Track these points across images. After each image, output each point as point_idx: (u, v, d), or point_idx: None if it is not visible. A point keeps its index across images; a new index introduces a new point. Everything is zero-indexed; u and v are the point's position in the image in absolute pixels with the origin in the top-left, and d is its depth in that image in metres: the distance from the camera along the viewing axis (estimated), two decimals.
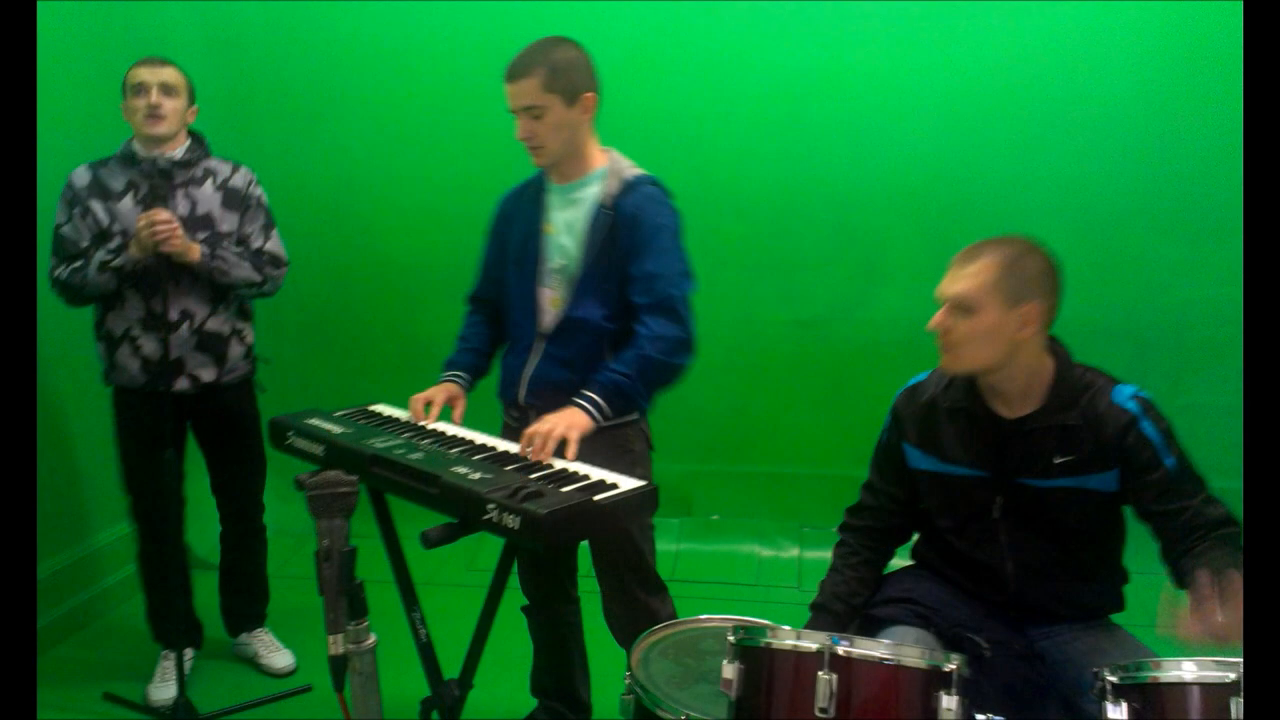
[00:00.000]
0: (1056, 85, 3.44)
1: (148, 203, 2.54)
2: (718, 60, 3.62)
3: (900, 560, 2.06)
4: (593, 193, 2.16)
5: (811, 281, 3.72)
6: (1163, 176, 3.43)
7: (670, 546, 3.71)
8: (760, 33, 3.58)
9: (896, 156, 3.57)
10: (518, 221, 2.27)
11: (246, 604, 3.07)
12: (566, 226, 2.17)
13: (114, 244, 2.58)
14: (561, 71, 2.06)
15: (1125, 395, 1.77)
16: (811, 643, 1.47)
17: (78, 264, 2.60)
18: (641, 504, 1.83)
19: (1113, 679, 1.45)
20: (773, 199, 3.68)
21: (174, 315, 2.61)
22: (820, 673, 1.44)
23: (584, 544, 2.22)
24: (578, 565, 2.45)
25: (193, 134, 2.72)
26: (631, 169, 2.19)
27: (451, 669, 2.12)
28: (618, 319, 2.15)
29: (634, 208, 2.12)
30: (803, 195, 3.66)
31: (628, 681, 1.77)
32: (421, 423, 2.22)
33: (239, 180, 2.73)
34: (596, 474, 1.88)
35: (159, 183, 2.53)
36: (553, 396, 2.14)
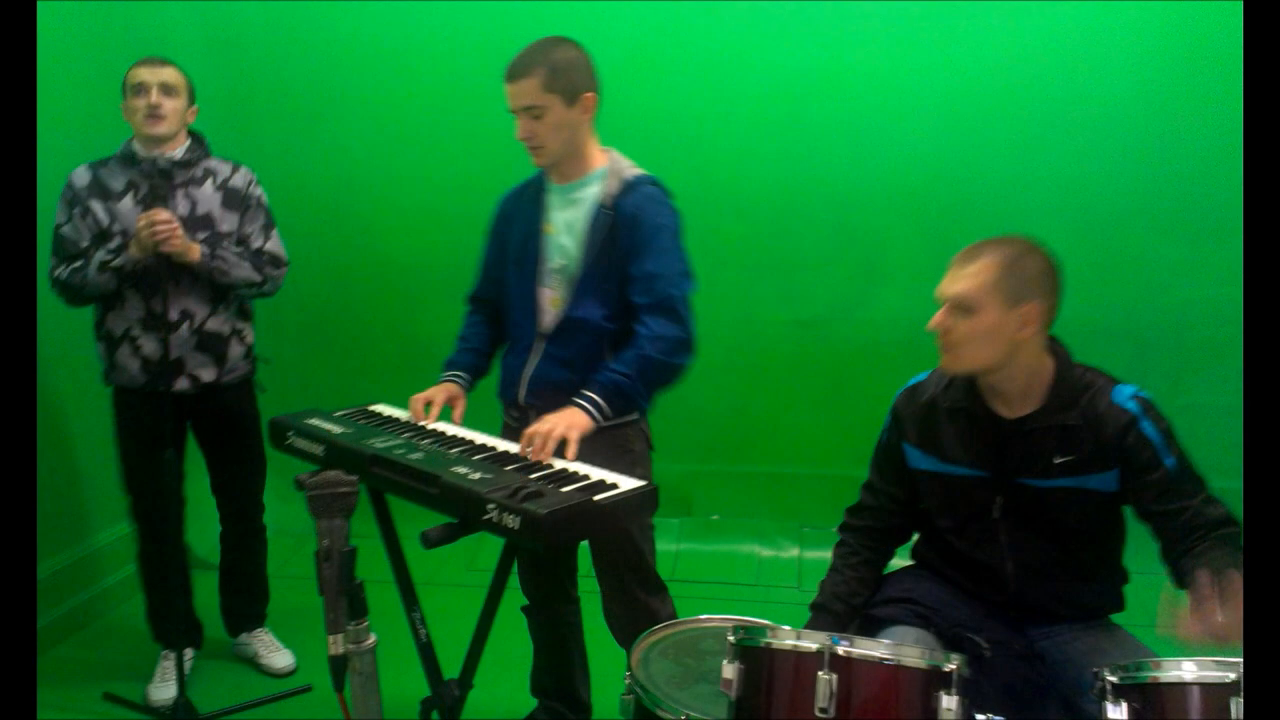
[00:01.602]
0: (1056, 85, 3.44)
1: (148, 203, 2.54)
2: (718, 60, 3.62)
3: (900, 560, 2.06)
4: (593, 193, 2.16)
5: (811, 281, 3.72)
6: (1163, 176, 3.43)
7: (670, 546, 3.71)
8: (760, 33, 3.58)
9: (896, 156, 3.57)
10: (518, 221, 2.27)
11: (246, 604, 3.06)
12: (566, 226, 2.17)
13: (114, 244, 2.58)
14: (561, 71, 2.06)
15: (1125, 395, 1.77)
16: (811, 643, 1.47)
17: (78, 264, 2.60)
18: (641, 504, 1.83)
19: (1113, 679, 1.45)
20: (773, 199, 3.68)
21: (174, 315, 2.61)
22: (820, 673, 1.44)
23: (584, 544, 2.22)
24: (578, 565, 2.45)
25: (193, 134, 2.71)
26: (631, 169, 2.19)
27: (451, 669, 2.11)
28: (618, 319, 2.15)
29: (634, 208, 2.11)
30: (803, 195, 3.66)
31: (628, 681, 1.77)
32: (421, 423, 2.22)
33: (239, 180, 2.73)
34: (596, 474, 1.88)
35: (159, 183, 2.53)
36: (553, 396, 2.14)
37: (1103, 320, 3.48)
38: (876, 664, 1.45)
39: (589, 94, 2.11)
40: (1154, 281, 3.51)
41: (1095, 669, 1.49)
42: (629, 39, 3.60)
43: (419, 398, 2.25)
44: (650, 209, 2.12)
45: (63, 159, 2.72)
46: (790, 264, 3.71)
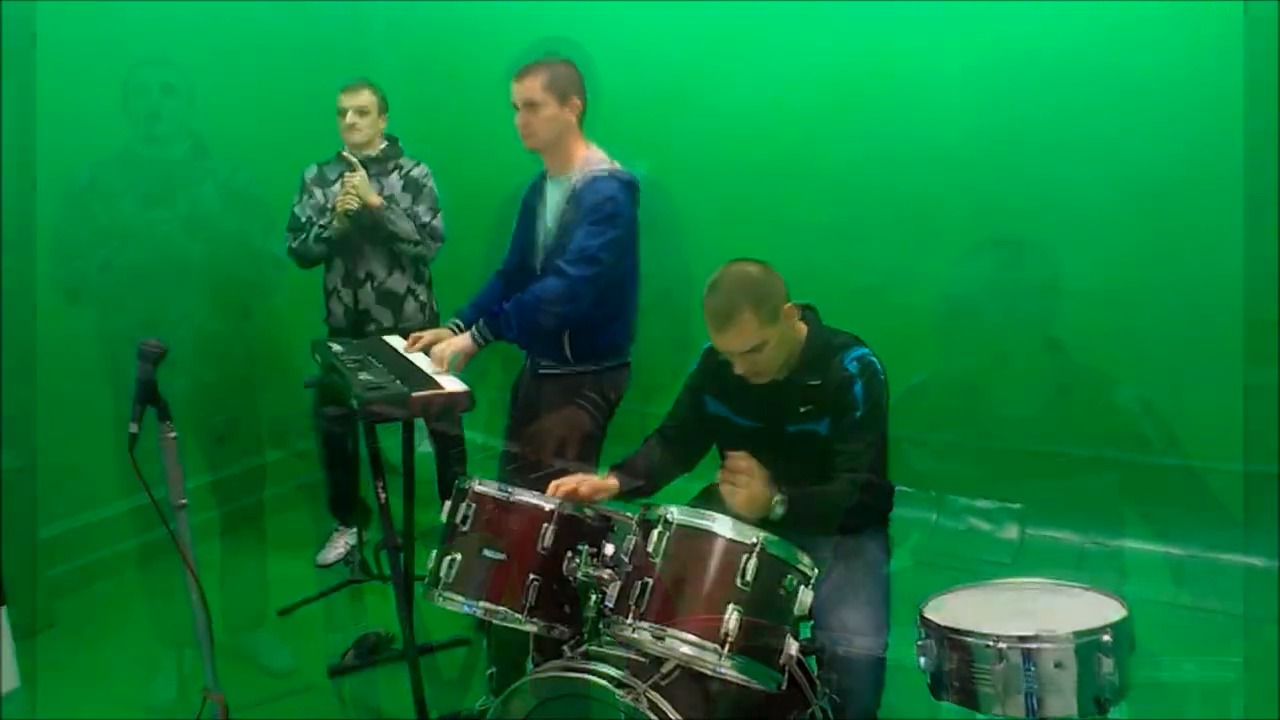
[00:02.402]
0: (1097, 55, 3.19)
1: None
2: (783, 50, 3.55)
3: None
4: (568, 184, 2.52)
5: (868, 248, 3.57)
6: (1208, 144, 3.00)
7: None
8: (821, 25, 3.51)
9: (945, 132, 3.40)
10: (528, 208, 2.69)
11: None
12: (551, 213, 2.58)
13: (325, 219, 3.25)
14: (559, 77, 2.49)
15: (851, 358, 2.04)
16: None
17: (303, 235, 3.29)
18: (454, 405, 2.22)
19: None
20: (837, 171, 3.59)
21: (361, 274, 3.27)
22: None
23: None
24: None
25: (388, 137, 3.37)
26: (602, 164, 2.51)
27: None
28: None
29: (582, 195, 2.46)
30: (865, 167, 3.55)
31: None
32: (406, 353, 2.64)
33: (417, 172, 3.37)
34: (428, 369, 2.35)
35: (358, 169, 3.22)
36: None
37: (1155, 287, 3.26)
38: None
39: (578, 100, 2.52)
40: (1209, 247, 3.17)
41: None
42: (709, 36, 3.55)
43: (413, 335, 2.73)
44: (592, 198, 2.44)
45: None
46: (849, 230, 3.58)
